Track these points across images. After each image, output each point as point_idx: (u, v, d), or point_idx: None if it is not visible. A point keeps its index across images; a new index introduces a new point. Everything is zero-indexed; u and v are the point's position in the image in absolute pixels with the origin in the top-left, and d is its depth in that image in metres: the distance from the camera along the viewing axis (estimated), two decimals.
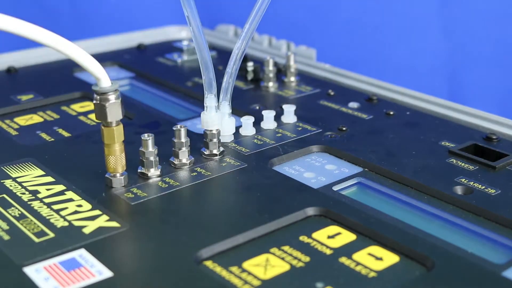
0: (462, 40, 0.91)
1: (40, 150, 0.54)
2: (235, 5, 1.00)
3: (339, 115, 0.60)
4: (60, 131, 0.58)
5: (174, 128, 0.50)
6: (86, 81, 0.70)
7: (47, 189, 0.47)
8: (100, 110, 0.45)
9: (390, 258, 0.40)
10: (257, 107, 0.62)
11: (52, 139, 0.56)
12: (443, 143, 0.54)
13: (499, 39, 0.89)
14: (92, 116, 0.61)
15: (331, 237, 0.42)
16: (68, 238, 0.41)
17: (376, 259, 0.40)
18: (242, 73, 0.69)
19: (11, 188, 0.47)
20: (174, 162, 0.50)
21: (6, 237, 0.41)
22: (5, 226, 0.43)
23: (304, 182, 0.48)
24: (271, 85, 0.67)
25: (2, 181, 0.48)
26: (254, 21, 0.52)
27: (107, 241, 0.41)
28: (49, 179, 0.49)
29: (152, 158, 0.48)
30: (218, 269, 0.39)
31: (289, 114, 0.59)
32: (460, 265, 0.39)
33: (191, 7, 0.49)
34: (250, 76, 0.69)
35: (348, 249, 0.41)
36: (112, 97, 0.44)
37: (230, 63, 0.53)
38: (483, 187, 0.47)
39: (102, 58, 0.71)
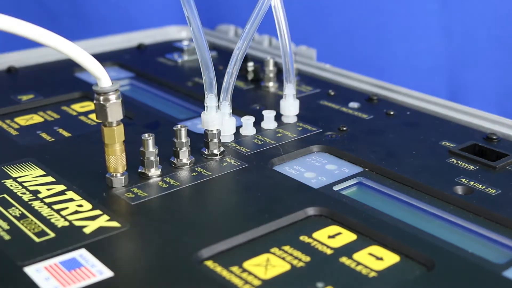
0: (462, 40, 0.91)
1: (40, 150, 0.54)
2: (235, 5, 0.99)
3: (339, 115, 0.60)
4: (61, 131, 0.58)
5: (175, 128, 0.50)
6: (86, 81, 0.70)
7: (48, 189, 0.47)
8: (101, 110, 0.45)
9: (390, 258, 0.40)
10: (258, 107, 0.62)
11: (53, 139, 0.56)
12: (443, 143, 0.54)
13: (499, 39, 0.89)
14: (92, 116, 0.61)
15: (332, 237, 0.42)
16: (68, 238, 0.41)
17: (376, 259, 0.40)
18: (242, 73, 0.68)
19: (11, 188, 0.47)
20: (175, 162, 0.50)
21: (7, 237, 0.42)
22: (5, 226, 0.43)
23: (305, 182, 0.48)
24: (271, 85, 0.67)
25: (2, 181, 0.48)
26: (255, 21, 0.52)
27: (107, 241, 0.41)
28: (50, 179, 0.49)
29: (152, 158, 0.48)
30: (218, 269, 0.39)
31: (290, 114, 0.59)
32: (460, 265, 0.39)
33: (191, 7, 0.49)
34: (250, 76, 0.69)
35: (349, 249, 0.41)
36: (112, 97, 0.44)
37: (231, 63, 0.53)
38: (483, 187, 0.47)
39: (102, 58, 0.71)
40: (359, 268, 0.39)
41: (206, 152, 0.52)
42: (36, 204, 0.45)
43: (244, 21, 0.52)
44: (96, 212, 0.44)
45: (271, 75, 0.67)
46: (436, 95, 0.64)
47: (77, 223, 0.43)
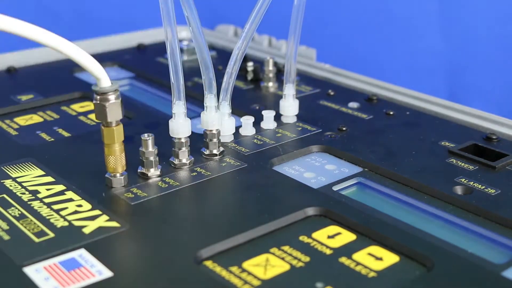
0: (462, 40, 0.91)
1: (40, 150, 0.54)
2: (235, 5, 0.99)
3: (339, 115, 0.60)
4: (60, 131, 0.58)
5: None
6: (86, 81, 0.70)
7: (47, 189, 0.47)
8: (100, 110, 0.45)
9: (390, 258, 0.40)
10: (257, 107, 0.62)
11: (52, 139, 0.56)
12: (443, 143, 0.54)
13: (499, 39, 0.89)
14: (92, 116, 0.61)
15: (331, 237, 0.42)
16: (68, 238, 0.41)
17: (376, 259, 0.40)
18: (242, 73, 0.69)
19: (11, 188, 0.47)
20: (174, 162, 0.50)
21: (6, 237, 0.42)
22: (5, 226, 0.43)
23: (304, 182, 0.48)
24: (271, 85, 0.67)
25: (2, 181, 0.48)
26: (254, 21, 0.52)
27: (107, 241, 0.41)
28: (49, 179, 0.49)
29: (152, 158, 0.48)
30: (218, 269, 0.39)
31: (289, 114, 0.59)
32: (460, 265, 0.39)
33: (191, 7, 0.49)
34: (250, 76, 0.69)
35: (348, 249, 0.41)
36: (112, 97, 0.44)
37: (230, 63, 0.53)
38: (483, 187, 0.47)
39: (102, 58, 0.71)
40: (358, 268, 0.39)
41: (205, 152, 0.52)
42: (36, 204, 0.45)
43: (244, 21, 0.52)
44: (96, 212, 0.44)
45: (271, 75, 0.67)
46: (436, 95, 0.64)
47: (76, 223, 0.43)
